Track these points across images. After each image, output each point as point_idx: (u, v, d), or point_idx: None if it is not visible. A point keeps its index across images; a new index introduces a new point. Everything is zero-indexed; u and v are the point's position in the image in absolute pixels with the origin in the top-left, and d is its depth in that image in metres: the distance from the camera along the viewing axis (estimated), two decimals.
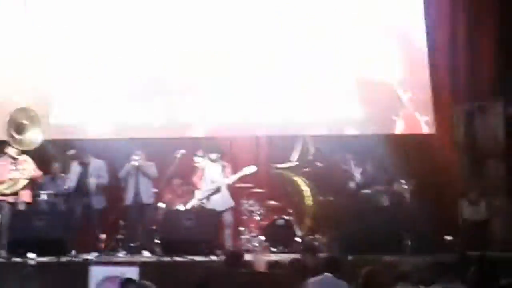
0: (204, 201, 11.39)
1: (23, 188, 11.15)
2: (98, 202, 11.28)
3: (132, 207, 11.29)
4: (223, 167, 11.56)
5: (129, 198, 11.33)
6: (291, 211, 11.75)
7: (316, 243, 11.04)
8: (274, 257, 10.57)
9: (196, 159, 11.55)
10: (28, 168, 11.12)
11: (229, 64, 12.57)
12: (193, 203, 11.53)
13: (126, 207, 11.50)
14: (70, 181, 11.32)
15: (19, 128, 11.11)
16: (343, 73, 12.51)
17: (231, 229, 11.54)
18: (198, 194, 11.49)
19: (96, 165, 11.37)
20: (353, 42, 12.51)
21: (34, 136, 11.24)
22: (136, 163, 11.26)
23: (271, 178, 12.27)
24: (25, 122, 11.16)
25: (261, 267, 8.03)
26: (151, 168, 11.39)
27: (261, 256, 8.74)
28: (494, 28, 11.89)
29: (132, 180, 11.32)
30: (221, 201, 11.32)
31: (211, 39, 12.63)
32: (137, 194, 11.26)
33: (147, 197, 11.32)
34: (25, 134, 11.15)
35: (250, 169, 11.50)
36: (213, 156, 11.50)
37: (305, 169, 12.00)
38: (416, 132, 12.20)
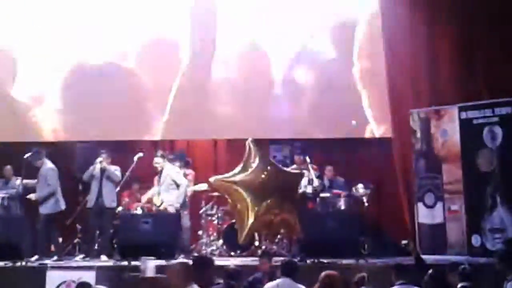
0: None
1: None
2: (45, 208, 11.07)
3: (93, 210, 11.17)
4: (185, 175, 11.55)
5: (91, 201, 11.19)
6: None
7: (274, 248, 11.11)
8: (232, 260, 10.62)
9: (156, 159, 11.44)
10: None
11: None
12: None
13: (86, 210, 11.36)
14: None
15: None
16: (301, 75, 12.59)
17: (190, 232, 11.57)
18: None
19: (44, 172, 11.17)
20: (314, 45, 12.62)
21: None
22: (100, 166, 11.15)
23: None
24: None
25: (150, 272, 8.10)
26: (115, 172, 11.27)
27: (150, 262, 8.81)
28: (452, 32, 12.00)
29: (96, 183, 11.20)
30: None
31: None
32: (99, 197, 11.14)
33: (109, 201, 11.17)
34: None
35: (201, 186, 11.60)
36: (176, 164, 11.51)
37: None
38: (373, 136, 12.28)
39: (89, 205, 11.24)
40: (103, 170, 11.17)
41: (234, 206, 10.53)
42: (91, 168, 11.25)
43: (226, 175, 10.50)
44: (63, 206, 11.18)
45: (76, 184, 11.91)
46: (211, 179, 10.56)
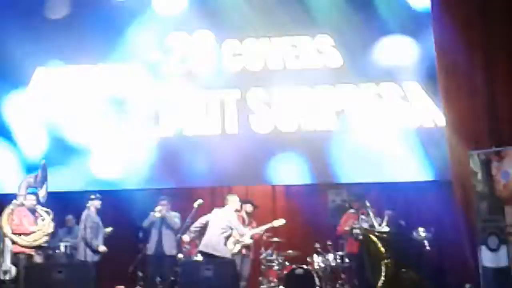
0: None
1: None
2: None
3: (153, 257, 11.23)
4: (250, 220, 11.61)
5: (151, 248, 11.29)
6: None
7: None
8: None
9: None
10: (49, 221, 10.98)
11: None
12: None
13: (146, 257, 11.43)
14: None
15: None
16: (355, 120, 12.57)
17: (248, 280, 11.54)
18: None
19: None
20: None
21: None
22: (160, 214, 11.25)
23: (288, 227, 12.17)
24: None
25: None
26: (175, 219, 11.36)
27: None
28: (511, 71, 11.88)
29: (155, 231, 11.29)
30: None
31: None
32: (159, 244, 11.23)
33: (169, 248, 11.29)
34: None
35: (279, 222, 11.62)
36: (249, 208, 11.58)
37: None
38: (433, 178, 12.13)
39: (149, 253, 11.34)
40: (162, 217, 11.26)
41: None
42: (151, 215, 11.36)
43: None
44: None
45: (136, 232, 12.01)
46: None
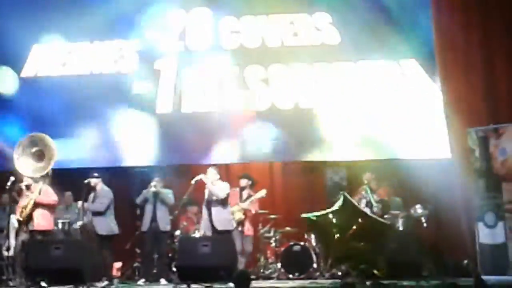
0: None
1: (32, 211, 10.72)
2: (102, 228, 11.13)
3: (148, 234, 11.24)
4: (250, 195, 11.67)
5: (145, 225, 11.28)
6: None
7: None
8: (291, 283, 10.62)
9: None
10: (35, 192, 10.80)
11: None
12: None
13: (142, 234, 11.45)
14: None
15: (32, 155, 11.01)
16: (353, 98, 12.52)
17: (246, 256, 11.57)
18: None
19: (99, 192, 11.28)
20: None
21: (44, 165, 11.03)
22: (154, 189, 11.24)
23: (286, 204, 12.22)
24: (34, 149, 11.06)
25: None
26: (169, 195, 11.36)
27: None
28: (509, 47, 11.86)
29: (150, 207, 11.28)
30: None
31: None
32: (153, 221, 11.21)
33: (163, 224, 11.25)
34: (38, 162, 11.01)
35: (260, 193, 11.61)
36: (244, 183, 11.66)
37: None
38: (431, 156, 12.11)
39: (144, 229, 11.32)
40: (156, 194, 11.25)
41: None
42: (144, 191, 11.35)
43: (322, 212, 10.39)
44: (116, 230, 11.28)
45: (134, 209, 12.02)
46: (305, 215, 10.33)
